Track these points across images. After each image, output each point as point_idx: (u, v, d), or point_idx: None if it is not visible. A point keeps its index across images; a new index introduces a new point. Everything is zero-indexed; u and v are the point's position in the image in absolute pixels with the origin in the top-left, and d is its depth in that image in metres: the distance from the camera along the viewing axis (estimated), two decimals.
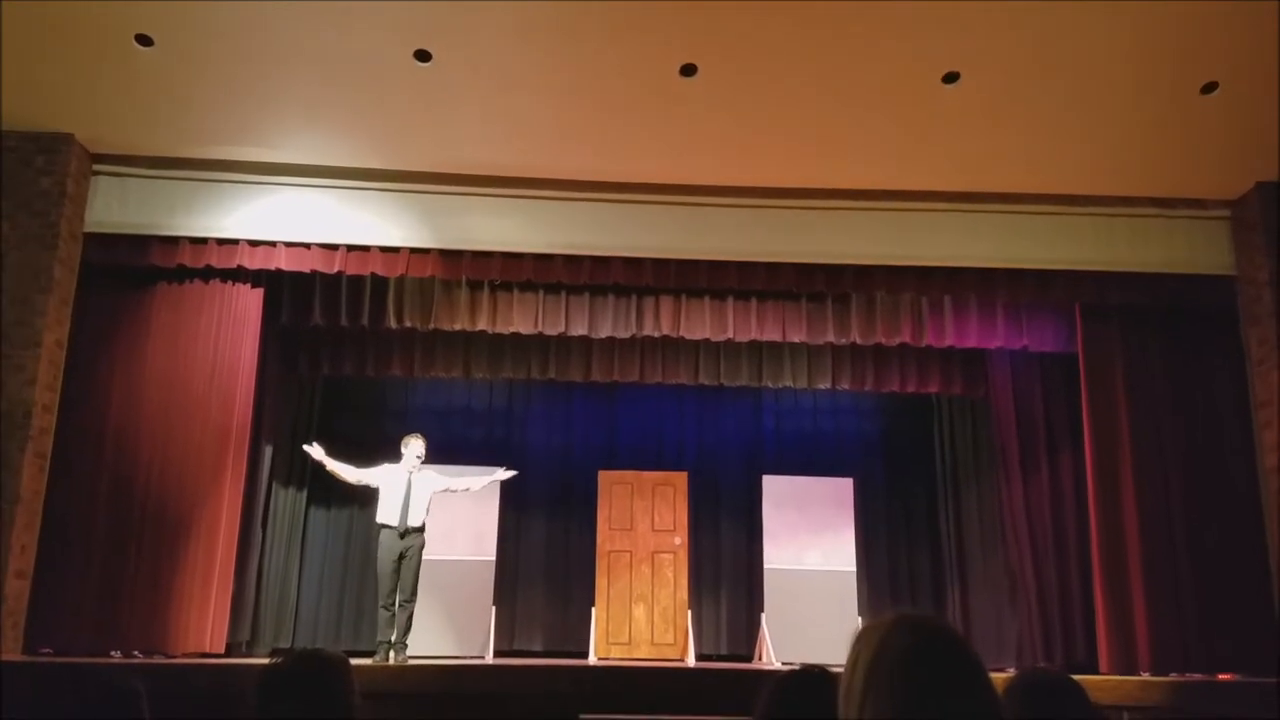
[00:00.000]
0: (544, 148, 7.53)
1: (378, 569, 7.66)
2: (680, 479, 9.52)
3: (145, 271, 7.80)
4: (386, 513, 7.68)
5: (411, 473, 7.80)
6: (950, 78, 6.53)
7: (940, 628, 1.40)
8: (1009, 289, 8.10)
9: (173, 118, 7.28)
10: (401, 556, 7.59)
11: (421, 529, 7.73)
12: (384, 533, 7.66)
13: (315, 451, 7.80)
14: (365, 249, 7.85)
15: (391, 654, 7.41)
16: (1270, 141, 7.17)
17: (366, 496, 8.05)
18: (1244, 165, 7.57)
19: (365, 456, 8.57)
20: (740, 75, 6.58)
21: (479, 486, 8.19)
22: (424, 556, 7.76)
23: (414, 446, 7.86)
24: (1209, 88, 6.61)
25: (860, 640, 1.42)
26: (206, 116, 7.25)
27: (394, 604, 7.54)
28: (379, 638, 7.55)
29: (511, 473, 8.21)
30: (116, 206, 7.72)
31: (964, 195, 7.97)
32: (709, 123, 7.13)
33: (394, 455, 7.97)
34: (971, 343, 8.48)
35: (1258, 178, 7.73)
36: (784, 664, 7.99)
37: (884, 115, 7.00)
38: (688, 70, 6.51)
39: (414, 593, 7.62)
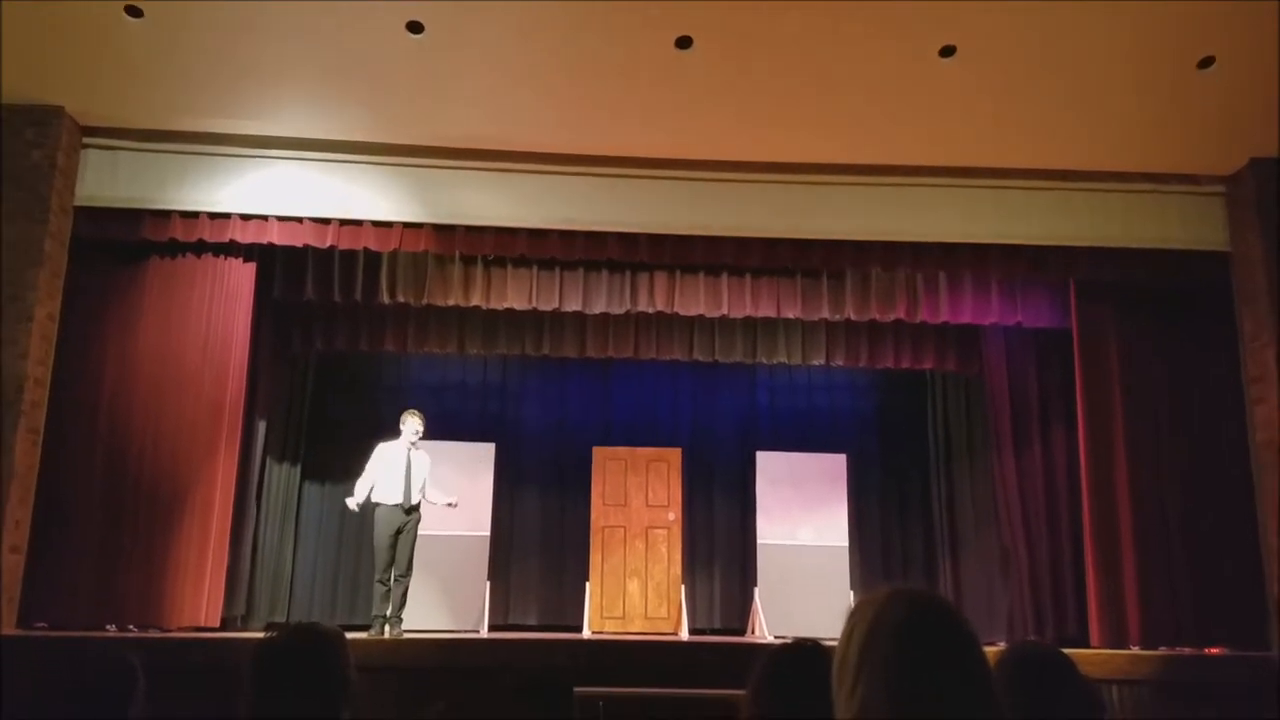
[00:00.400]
0: (538, 121, 7.49)
1: (375, 544, 7.67)
2: (674, 455, 9.54)
3: (137, 245, 7.76)
4: (388, 491, 7.68)
5: (410, 449, 7.81)
6: (947, 52, 6.50)
7: (935, 601, 1.41)
8: (1003, 265, 8.09)
9: (163, 90, 7.22)
10: (399, 531, 7.61)
11: (418, 507, 7.75)
12: (382, 509, 7.67)
13: (352, 503, 7.76)
14: (358, 223, 7.81)
15: (387, 628, 7.44)
16: (1266, 117, 7.15)
17: (358, 472, 8.04)
18: (1239, 141, 7.56)
19: (359, 432, 8.60)
20: (737, 49, 6.54)
21: (439, 503, 8.01)
22: (419, 531, 7.77)
23: (411, 423, 7.87)
24: (1206, 62, 6.59)
25: (855, 613, 1.42)
26: (197, 89, 7.19)
27: (390, 579, 7.56)
28: (374, 612, 7.57)
29: (455, 502, 8.05)
30: (107, 180, 7.67)
31: (960, 171, 7.96)
32: (704, 97, 7.09)
33: (388, 431, 7.97)
34: (966, 319, 8.49)
35: (1253, 153, 7.72)
36: (777, 638, 8.04)
37: (881, 90, 6.97)
38: (683, 43, 6.47)
39: (409, 568, 7.64)
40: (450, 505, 7.99)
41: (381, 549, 7.61)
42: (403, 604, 7.58)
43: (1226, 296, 8.01)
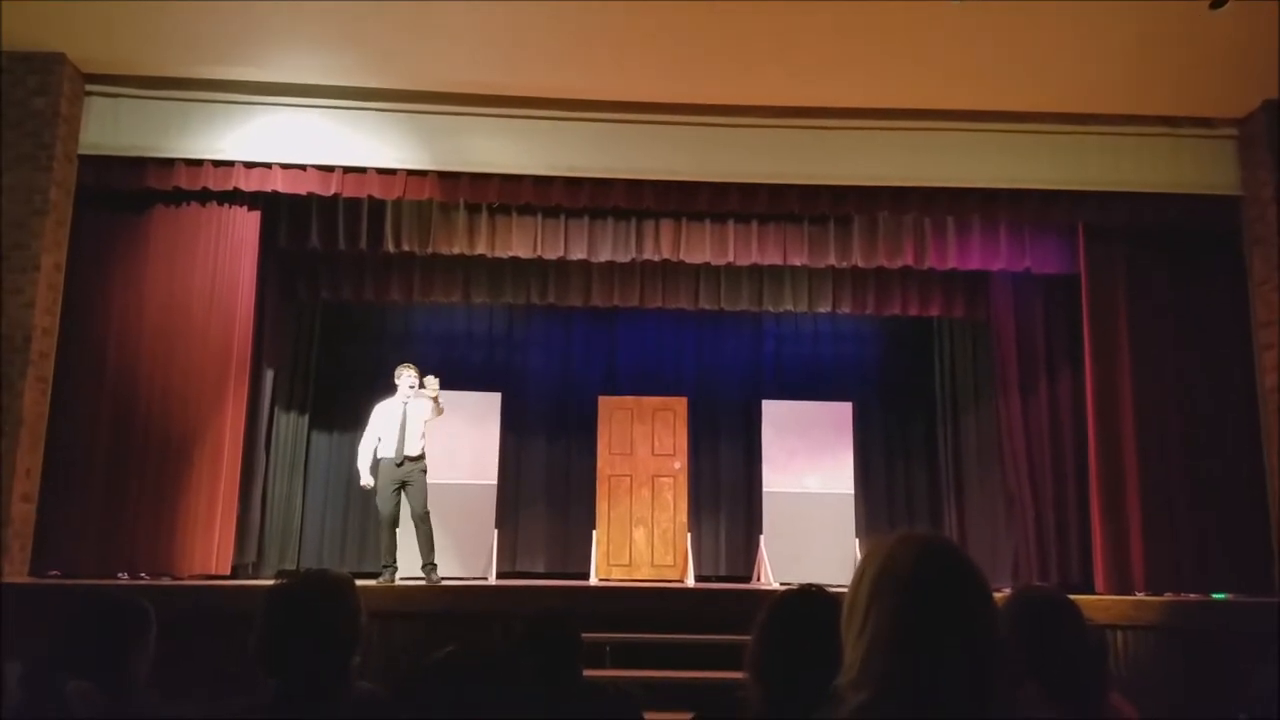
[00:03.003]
0: (542, 66, 7.41)
1: (377, 497, 7.73)
2: (680, 404, 9.55)
3: (141, 194, 7.75)
4: (385, 446, 7.74)
5: (406, 403, 7.83)
6: None
7: (945, 545, 1.41)
8: (1012, 209, 8.04)
9: (165, 36, 7.15)
10: (402, 484, 7.67)
11: (419, 457, 7.78)
12: (383, 463, 7.73)
13: (365, 479, 7.77)
14: (362, 171, 7.78)
15: (423, 575, 7.52)
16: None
17: (365, 421, 8.05)
18: (1252, 83, 7.45)
19: (366, 381, 8.61)
20: None
21: (431, 396, 7.77)
22: (426, 480, 7.82)
23: (406, 377, 7.88)
24: (1218, 3, 6.47)
25: (866, 557, 1.43)
26: (199, 34, 7.11)
27: (395, 526, 7.62)
28: (382, 562, 7.64)
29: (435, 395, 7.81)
30: (110, 128, 7.64)
31: (968, 114, 7.88)
32: (710, 40, 7.00)
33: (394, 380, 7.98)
34: (974, 264, 8.42)
35: (1266, 95, 7.62)
36: (782, 585, 8.10)
37: (888, 32, 6.88)
38: None
39: (425, 511, 7.67)
40: (435, 401, 7.70)
41: (384, 501, 7.68)
42: (432, 549, 7.62)
43: (1236, 241, 7.96)
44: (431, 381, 7.68)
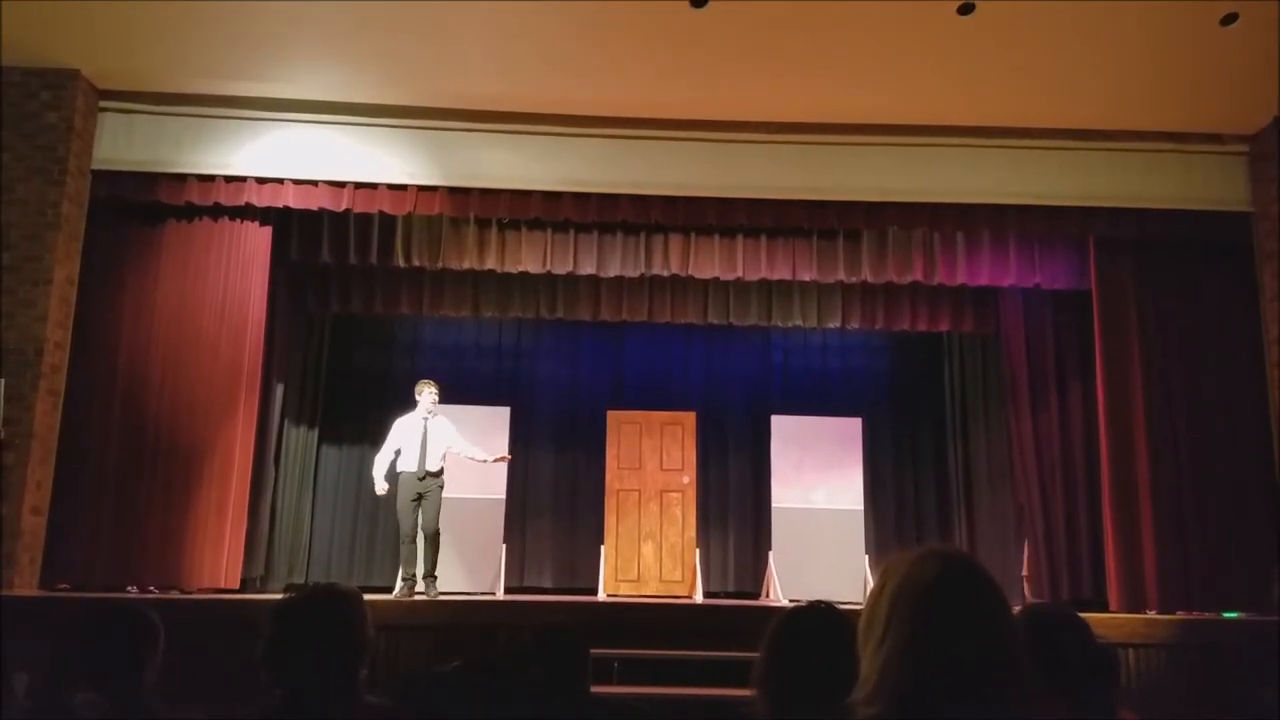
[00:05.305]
0: (551, 81, 7.44)
1: (397, 509, 7.75)
2: (689, 418, 9.53)
3: (154, 209, 7.79)
4: (406, 459, 7.77)
5: (426, 419, 7.85)
6: (965, 9, 6.41)
7: (967, 562, 1.41)
8: (1021, 224, 8.02)
9: (178, 53, 7.20)
10: (419, 497, 7.70)
11: (439, 473, 7.81)
12: (402, 476, 7.76)
13: (380, 488, 7.83)
14: (373, 186, 7.81)
15: (422, 587, 7.55)
16: None
17: (378, 435, 8.07)
18: (1263, 99, 7.44)
19: (376, 394, 8.60)
20: (749, 7, 6.46)
21: (480, 458, 8.09)
22: (442, 496, 7.84)
23: (427, 394, 7.93)
24: (1229, 19, 6.48)
25: (888, 570, 1.42)
26: (212, 51, 7.17)
27: (415, 540, 7.64)
28: (403, 574, 7.64)
29: (506, 459, 8.31)
30: (123, 143, 7.69)
31: (978, 130, 7.88)
32: (718, 56, 7.02)
33: (405, 393, 7.99)
34: (984, 280, 8.42)
35: (1276, 112, 7.61)
36: (791, 601, 8.06)
37: (898, 47, 6.89)
38: (697, 1, 6.39)
39: (437, 528, 7.71)
40: (501, 460, 8.22)
41: (404, 513, 7.72)
42: (435, 563, 7.67)
43: (1247, 256, 7.94)
44: (431, 390, 7.92)
